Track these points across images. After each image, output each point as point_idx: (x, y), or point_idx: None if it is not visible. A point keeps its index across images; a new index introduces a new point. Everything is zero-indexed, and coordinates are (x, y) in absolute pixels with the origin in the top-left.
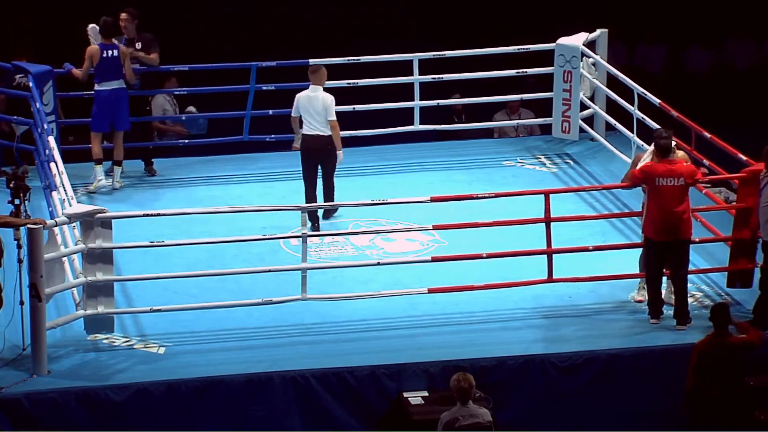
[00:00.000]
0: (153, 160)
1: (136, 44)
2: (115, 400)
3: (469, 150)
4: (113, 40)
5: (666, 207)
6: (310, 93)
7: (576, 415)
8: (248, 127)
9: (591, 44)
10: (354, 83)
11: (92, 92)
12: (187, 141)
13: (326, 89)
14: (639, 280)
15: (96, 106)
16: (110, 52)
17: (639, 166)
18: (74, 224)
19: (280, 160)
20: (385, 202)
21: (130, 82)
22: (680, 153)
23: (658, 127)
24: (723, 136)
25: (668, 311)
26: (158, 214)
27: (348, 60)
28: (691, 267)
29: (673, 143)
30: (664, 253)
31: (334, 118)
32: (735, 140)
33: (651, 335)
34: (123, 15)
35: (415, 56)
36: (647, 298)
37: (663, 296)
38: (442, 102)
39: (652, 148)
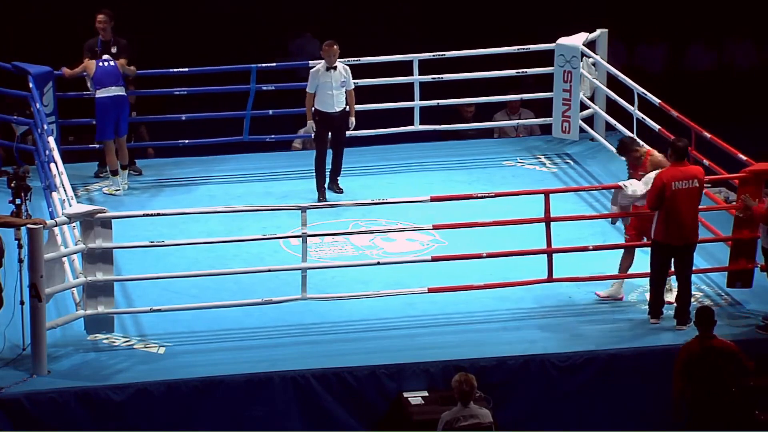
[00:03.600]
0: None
1: (112, 48)
2: (115, 400)
3: (469, 150)
4: (104, 56)
5: (682, 211)
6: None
7: (576, 415)
8: (248, 127)
9: (591, 44)
10: (354, 83)
11: (91, 92)
12: (187, 141)
13: None
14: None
15: (99, 114)
16: (105, 63)
17: (653, 177)
18: (74, 224)
19: (280, 160)
20: (385, 201)
21: (131, 76)
22: (659, 156)
23: (659, 127)
24: (723, 136)
25: (668, 311)
26: (158, 214)
27: (348, 61)
28: None
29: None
30: (671, 256)
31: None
32: (735, 140)
33: (651, 335)
34: (100, 17)
35: (415, 57)
36: (648, 298)
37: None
38: (442, 102)
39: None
